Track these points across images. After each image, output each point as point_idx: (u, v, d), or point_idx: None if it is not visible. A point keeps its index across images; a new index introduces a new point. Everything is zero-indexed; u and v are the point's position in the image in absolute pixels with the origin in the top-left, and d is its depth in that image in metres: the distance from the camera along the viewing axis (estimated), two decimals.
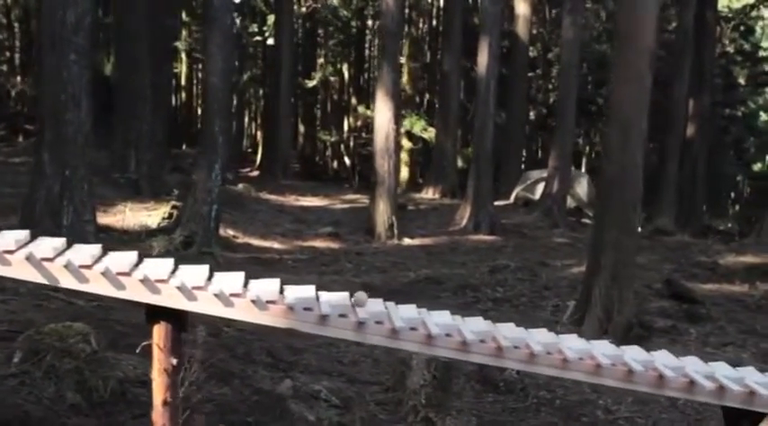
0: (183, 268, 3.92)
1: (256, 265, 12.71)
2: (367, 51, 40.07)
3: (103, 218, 13.66)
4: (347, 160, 38.14)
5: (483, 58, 17.46)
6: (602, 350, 4.10)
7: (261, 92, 38.20)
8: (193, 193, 11.60)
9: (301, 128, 42.44)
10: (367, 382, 7.97)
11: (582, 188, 22.33)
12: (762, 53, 33.47)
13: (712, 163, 34.97)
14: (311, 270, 13.04)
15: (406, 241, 16.28)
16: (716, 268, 17.62)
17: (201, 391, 6.42)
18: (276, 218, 17.62)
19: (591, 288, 10.21)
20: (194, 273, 3.83)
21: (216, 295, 3.70)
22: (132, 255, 3.85)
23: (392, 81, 15.78)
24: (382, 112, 15.92)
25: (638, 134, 9.73)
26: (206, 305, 3.72)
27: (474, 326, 3.94)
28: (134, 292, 3.69)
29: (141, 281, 3.66)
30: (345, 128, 38.27)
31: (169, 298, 3.69)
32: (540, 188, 21.18)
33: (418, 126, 30.37)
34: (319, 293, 3.96)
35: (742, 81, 35.38)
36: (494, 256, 15.39)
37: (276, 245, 14.95)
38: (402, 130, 31.73)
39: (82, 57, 8.21)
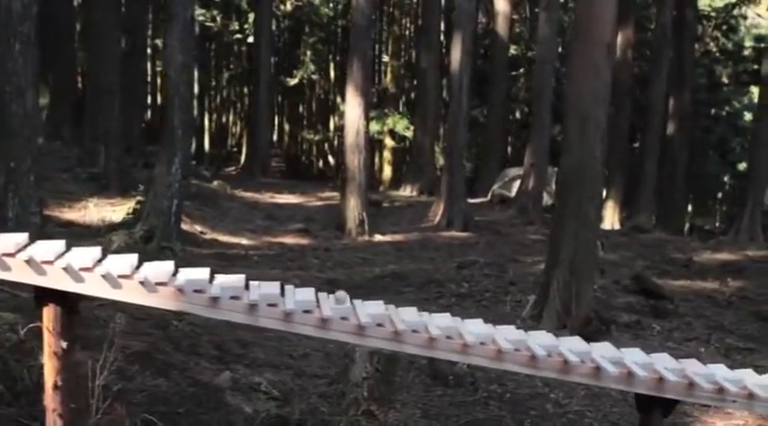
0: (75, 250, 3.83)
1: (220, 260, 12.63)
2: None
3: (67, 214, 13.57)
4: (331, 159, 38.07)
5: (456, 54, 17.38)
6: (506, 335, 4.03)
7: (245, 90, 38.11)
8: (154, 188, 11.52)
9: (287, 127, 42.39)
10: (315, 375, 7.89)
11: None
12: (745, 52, 33.38)
13: (698, 162, 35.03)
14: (276, 266, 12.97)
15: (377, 237, 16.22)
16: (690, 265, 17.63)
17: (134, 382, 6.37)
18: (248, 215, 17.54)
19: (550, 281, 10.16)
20: (84, 255, 3.74)
21: (103, 276, 3.62)
22: (22, 237, 3.76)
23: (362, 77, 15.70)
24: (352, 108, 15.86)
25: (596, 126, 9.67)
26: (94, 286, 3.64)
27: (371, 310, 3.87)
28: (20, 273, 3.61)
29: (26, 262, 3.57)
30: (332, 127, 38.20)
31: (55, 280, 3.60)
32: (516, 185, 21.12)
33: (401, 125, 30.34)
34: (215, 276, 3.88)
35: (726, 80, 35.35)
36: (464, 252, 15.32)
37: (244, 241, 14.87)
38: (385, 129, 31.78)
39: (28, 48, 8.10)
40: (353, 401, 7.08)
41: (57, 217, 13.25)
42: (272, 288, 3.85)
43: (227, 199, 18.97)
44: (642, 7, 29.53)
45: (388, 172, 32.26)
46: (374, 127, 32.03)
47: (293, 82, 31.58)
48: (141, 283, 3.64)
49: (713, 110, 35.95)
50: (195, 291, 3.67)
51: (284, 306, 3.73)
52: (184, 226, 14.37)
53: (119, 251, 8.42)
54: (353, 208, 16.08)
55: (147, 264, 3.83)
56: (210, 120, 37.49)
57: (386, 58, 33.92)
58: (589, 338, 5.59)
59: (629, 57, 25.76)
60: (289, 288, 3.97)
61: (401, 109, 32.55)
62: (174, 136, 11.26)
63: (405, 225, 18.11)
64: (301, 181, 28.65)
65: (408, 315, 3.93)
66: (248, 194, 20.85)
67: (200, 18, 28.24)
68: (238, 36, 30.04)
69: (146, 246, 11.26)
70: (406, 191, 24.02)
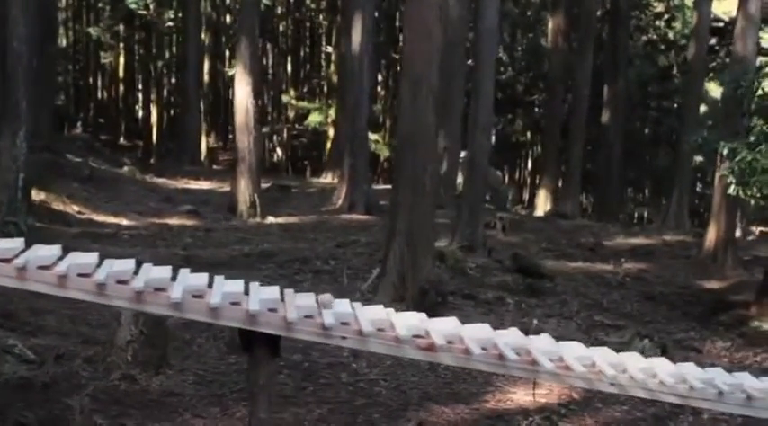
0: None
1: (82, 238, 12.35)
2: (320, 48, 39.96)
3: None
4: (280, 151, 37.72)
5: (357, 35, 17.07)
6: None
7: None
8: None
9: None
10: (101, 342, 7.56)
11: None
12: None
13: (651, 155, 34.83)
14: (141, 244, 12.69)
15: (270, 219, 15.90)
16: (597, 249, 17.48)
17: None
18: (144, 198, 17.20)
19: (388, 253, 9.86)
20: None
21: None
22: None
23: (250, 55, 15.37)
24: (241, 87, 15.52)
25: (428, 90, 9.38)
26: None
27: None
28: None
29: None
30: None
31: None
32: None
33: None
34: None
35: (676, 72, 35.06)
36: (356, 234, 15.02)
37: (125, 222, 14.58)
38: (329, 121, 31.46)
39: None
40: (113, 364, 6.80)
41: None
42: (48, 251, 3.72)
43: (131, 184, 18.62)
44: None
45: None
46: (317, 118, 31.85)
47: (232, 72, 31.12)
48: None
49: (674, 104, 35.68)
50: None
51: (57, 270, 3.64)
52: (59, 206, 14.08)
53: None
54: (244, 190, 15.75)
55: None
56: (159, 113, 36.99)
57: (330, 49, 33.60)
58: (425, 311, 5.30)
59: (561, 43, 25.53)
60: (74, 253, 3.93)
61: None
62: (19, 108, 10.93)
63: (306, 208, 17.81)
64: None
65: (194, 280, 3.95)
66: (161, 180, 20.49)
67: (133, 6, 27.82)
68: (170, 24, 29.63)
69: None
70: (327, 178, 23.69)
